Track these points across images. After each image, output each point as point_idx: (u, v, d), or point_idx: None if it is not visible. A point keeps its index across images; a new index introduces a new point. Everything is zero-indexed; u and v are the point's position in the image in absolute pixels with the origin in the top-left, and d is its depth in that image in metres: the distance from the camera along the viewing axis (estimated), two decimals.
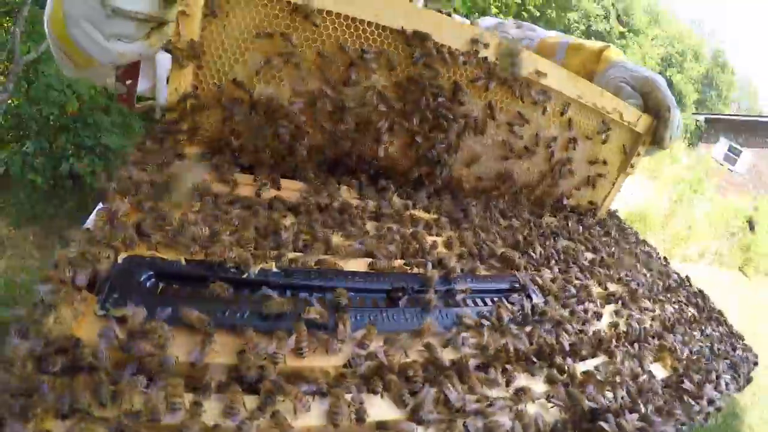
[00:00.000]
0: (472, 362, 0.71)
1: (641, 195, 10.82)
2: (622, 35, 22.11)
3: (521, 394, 0.67)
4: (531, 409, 0.67)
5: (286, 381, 0.53)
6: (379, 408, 0.59)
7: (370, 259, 0.83)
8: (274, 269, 0.70)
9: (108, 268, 0.64)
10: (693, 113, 21.34)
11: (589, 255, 1.19)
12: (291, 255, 0.74)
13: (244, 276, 0.67)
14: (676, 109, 1.29)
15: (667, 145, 1.35)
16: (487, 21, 1.65)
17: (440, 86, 1.04)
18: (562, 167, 1.29)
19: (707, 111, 22.63)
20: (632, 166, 1.42)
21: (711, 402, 0.85)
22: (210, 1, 0.87)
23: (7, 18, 5.22)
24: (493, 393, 0.67)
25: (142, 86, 1.32)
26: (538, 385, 0.74)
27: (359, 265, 0.82)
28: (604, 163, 1.37)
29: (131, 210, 0.76)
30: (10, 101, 5.23)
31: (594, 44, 1.43)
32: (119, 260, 0.65)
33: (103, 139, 5.87)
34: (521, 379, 0.72)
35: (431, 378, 0.64)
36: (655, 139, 1.34)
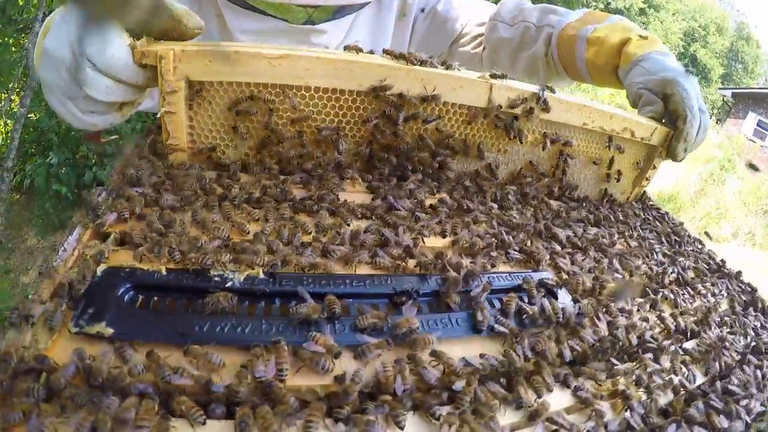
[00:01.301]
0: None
1: (670, 174, 10.47)
2: (642, 11, 21.39)
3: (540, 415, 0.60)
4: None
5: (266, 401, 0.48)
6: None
7: (374, 260, 0.77)
8: (261, 275, 0.65)
9: (86, 281, 0.60)
10: (719, 88, 20.53)
11: (619, 245, 1.09)
12: (281, 258, 0.69)
13: (228, 285, 0.62)
14: (694, 117, 1.16)
15: (681, 158, 1.23)
16: (508, 4, 1.54)
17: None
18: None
19: (734, 85, 21.74)
20: (647, 179, 1.33)
21: (760, 413, 0.76)
22: (190, 95, 0.87)
23: (23, 35, 5.33)
24: (510, 413, 0.60)
25: (146, 105, 1.32)
26: (563, 397, 0.65)
27: (361, 267, 0.75)
28: (618, 177, 1.28)
29: (118, 220, 0.73)
30: (30, 115, 5.36)
31: (613, 36, 1.29)
32: (98, 272, 0.62)
33: (125, 146, 5.96)
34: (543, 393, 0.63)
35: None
36: (668, 151, 1.23)
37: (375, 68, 0.92)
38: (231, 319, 0.58)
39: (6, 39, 5.22)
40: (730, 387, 0.76)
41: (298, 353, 0.54)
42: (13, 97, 5.07)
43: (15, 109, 5.13)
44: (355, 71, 0.91)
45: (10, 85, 4.60)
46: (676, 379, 0.75)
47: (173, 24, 0.83)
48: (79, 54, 0.78)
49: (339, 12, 1.33)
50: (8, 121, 5.45)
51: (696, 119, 1.17)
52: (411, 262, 0.77)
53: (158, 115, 0.89)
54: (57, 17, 0.82)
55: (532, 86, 1.06)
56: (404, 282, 0.71)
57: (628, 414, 0.66)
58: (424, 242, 0.84)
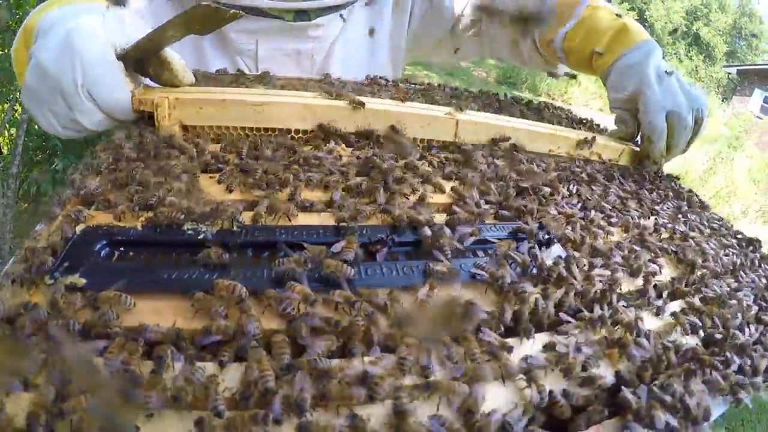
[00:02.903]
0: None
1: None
2: None
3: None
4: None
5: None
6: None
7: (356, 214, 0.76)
8: (234, 228, 0.65)
9: (64, 240, 0.62)
10: (724, 66, 20.23)
11: (616, 199, 1.06)
12: (256, 211, 0.70)
13: (200, 237, 0.63)
14: (653, 132, 1.16)
15: (660, 165, 1.25)
16: None
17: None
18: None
19: (738, 62, 21.37)
20: None
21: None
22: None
23: None
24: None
25: None
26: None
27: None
28: None
29: (103, 185, 0.74)
30: (33, 122, 5.40)
31: (582, 48, 1.27)
32: (77, 231, 0.63)
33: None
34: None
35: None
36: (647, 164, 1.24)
37: (349, 111, 1.00)
38: (199, 267, 0.59)
39: (5, 50, 5.25)
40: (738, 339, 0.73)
41: (264, 293, 0.55)
42: (16, 107, 5.11)
43: (17, 117, 5.17)
44: (333, 115, 0.99)
45: (10, 96, 4.64)
46: (676, 333, 0.72)
47: (170, 77, 0.95)
48: (82, 86, 0.82)
49: (326, 11, 1.32)
50: (12, 130, 5.49)
51: (656, 132, 1.16)
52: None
53: None
54: (54, 28, 0.83)
55: (496, 119, 1.12)
56: (379, 231, 0.71)
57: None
58: (408, 199, 0.84)
